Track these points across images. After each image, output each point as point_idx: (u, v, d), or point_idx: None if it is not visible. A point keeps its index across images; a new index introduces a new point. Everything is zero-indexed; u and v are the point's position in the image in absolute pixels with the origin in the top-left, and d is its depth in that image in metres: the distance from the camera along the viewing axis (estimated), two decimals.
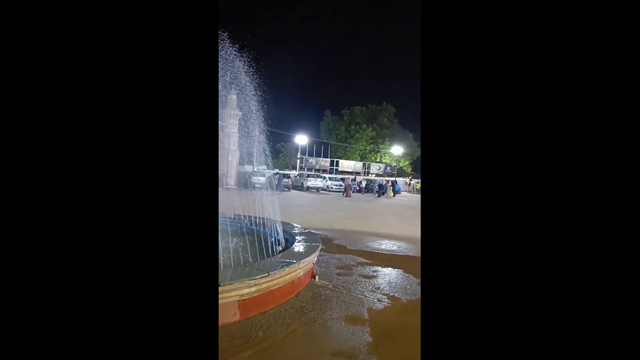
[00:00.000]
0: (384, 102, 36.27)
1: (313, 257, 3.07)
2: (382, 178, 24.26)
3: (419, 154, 36.75)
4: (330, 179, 22.61)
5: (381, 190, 19.77)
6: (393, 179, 24.34)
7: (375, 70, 73.34)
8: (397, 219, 8.91)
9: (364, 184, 22.48)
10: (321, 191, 20.18)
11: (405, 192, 24.45)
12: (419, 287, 3.18)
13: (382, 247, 5.03)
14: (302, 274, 2.86)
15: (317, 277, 3.20)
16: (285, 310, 2.46)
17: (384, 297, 2.88)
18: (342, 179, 22.95)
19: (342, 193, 19.15)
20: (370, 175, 30.65)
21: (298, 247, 3.24)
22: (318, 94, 68.21)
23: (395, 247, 5.03)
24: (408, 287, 3.18)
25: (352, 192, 19.44)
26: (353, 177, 24.30)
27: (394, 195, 20.04)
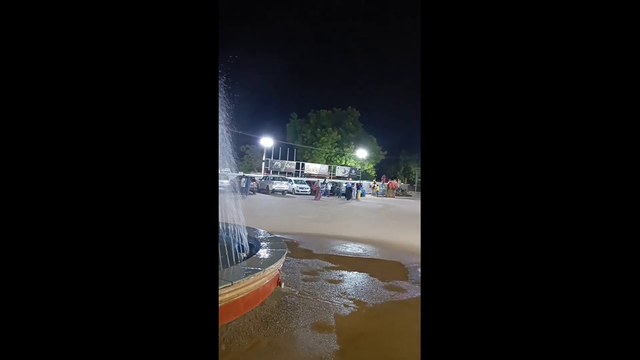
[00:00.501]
0: (349, 107, 36.95)
1: (279, 264, 2.99)
2: (351, 181, 24.62)
3: (383, 157, 37.86)
4: (296, 181, 22.48)
5: (350, 193, 19.90)
6: (358, 181, 24.74)
7: (342, 75, 74.52)
8: (362, 222, 9.04)
9: (329, 186, 22.65)
10: (287, 194, 20.01)
11: (370, 195, 24.97)
12: (385, 291, 3.21)
13: (348, 250, 5.05)
14: (267, 281, 2.76)
15: (283, 284, 3.12)
16: (250, 320, 2.36)
17: (350, 302, 2.86)
18: (308, 182, 22.93)
19: (312, 196, 19.14)
20: (349, 179, 30.94)
21: (263, 253, 3.14)
22: (284, 96, 67.98)
23: (360, 251, 5.07)
24: (374, 291, 3.20)
25: (322, 194, 19.50)
26: (323, 180, 24.36)
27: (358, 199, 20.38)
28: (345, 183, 22.04)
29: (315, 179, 23.35)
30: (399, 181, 34.49)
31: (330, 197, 20.13)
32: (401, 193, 31.18)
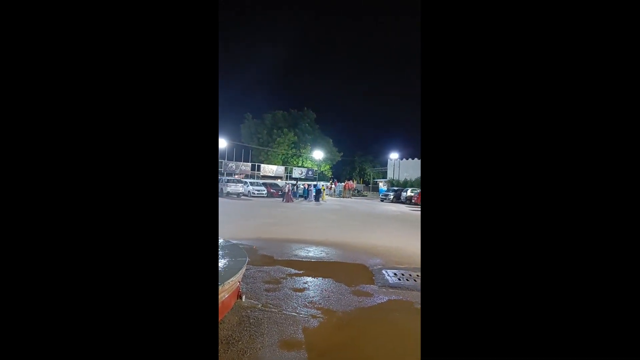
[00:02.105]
0: (305, 108, 36.96)
1: (239, 275, 2.71)
2: (321, 183, 24.71)
3: (339, 158, 38.36)
4: (251, 183, 21.83)
5: (319, 194, 20.19)
6: (326, 183, 24.74)
7: (297, 76, 74.39)
8: (322, 223, 8.94)
9: (286, 188, 22.44)
10: (242, 197, 19.34)
11: (327, 196, 25.12)
12: (352, 297, 3.09)
13: (311, 254, 4.88)
14: (226, 296, 2.48)
15: (243, 297, 2.85)
16: None
17: (318, 312, 2.69)
18: (264, 184, 22.45)
19: (279, 198, 19.07)
20: (320, 181, 30.68)
21: (221, 264, 2.84)
22: (238, 96, 66.07)
23: (323, 254, 4.93)
24: (341, 297, 3.06)
25: (292, 196, 19.50)
26: (295, 182, 23.97)
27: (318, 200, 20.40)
28: (315, 185, 22.33)
29: (286, 182, 22.97)
30: (355, 182, 35.23)
31: (299, 199, 19.95)
32: (357, 193, 31.86)
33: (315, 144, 35.22)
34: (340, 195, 27.90)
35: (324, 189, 21.25)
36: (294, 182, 24.14)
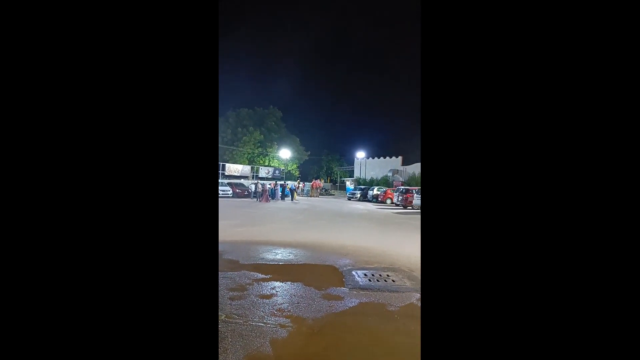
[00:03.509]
0: (271, 106, 36.36)
1: None
2: (294, 183, 24.46)
3: (306, 157, 38.20)
4: None
5: (293, 194, 20.22)
6: (283, 182, 24.41)
7: (262, 74, 73.17)
8: (290, 223, 8.75)
9: (252, 188, 22.01)
10: None
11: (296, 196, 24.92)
12: (323, 301, 2.95)
13: (279, 257, 4.68)
14: None
15: None
16: None
17: (287, 320, 2.52)
18: (230, 184, 21.83)
19: (256, 199, 18.93)
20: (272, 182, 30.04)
21: None
22: None
23: (292, 256, 4.76)
24: (311, 303, 2.91)
25: (270, 196, 19.37)
26: (274, 182, 23.42)
27: (286, 199, 20.15)
28: (291, 186, 22.39)
29: (263, 182, 22.52)
30: (322, 181, 35.30)
31: (276, 199, 19.57)
32: (324, 192, 31.95)
33: (282, 142, 34.78)
34: (307, 194, 27.81)
35: (298, 188, 21.42)
36: (272, 181, 23.83)
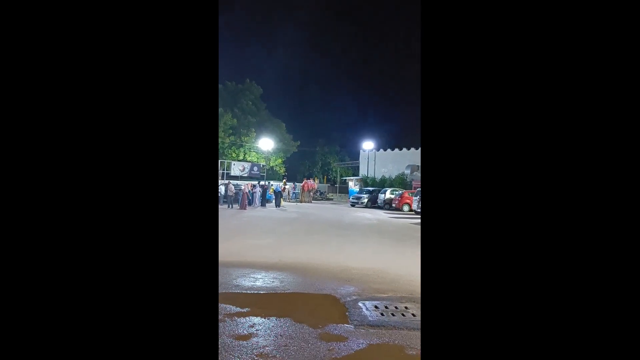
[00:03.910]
0: (248, 80, 36.25)
1: None
2: (280, 185, 24.61)
3: (295, 149, 38.18)
4: None
5: (279, 198, 20.80)
6: (263, 182, 24.41)
7: (236, 35, 72.98)
8: (274, 238, 8.76)
9: (222, 191, 22.06)
10: None
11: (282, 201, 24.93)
12: (320, 344, 2.95)
13: (259, 283, 4.69)
14: None
15: None
16: None
17: None
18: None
19: (227, 205, 18.99)
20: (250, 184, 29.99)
21: None
22: None
23: (277, 283, 4.76)
24: (304, 346, 2.91)
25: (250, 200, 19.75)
26: (258, 182, 23.43)
27: (268, 205, 20.18)
28: (275, 187, 22.83)
29: (237, 183, 22.59)
30: (317, 180, 35.29)
31: (256, 205, 19.53)
32: (319, 196, 32.00)
33: (262, 129, 34.68)
34: (297, 198, 27.84)
35: (284, 190, 21.68)
36: (249, 182, 23.86)
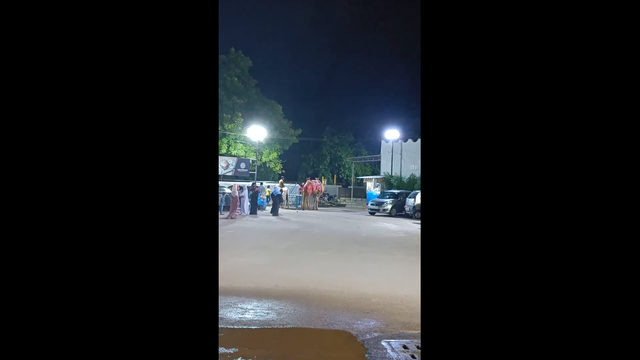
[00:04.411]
0: (233, 49, 36.42)
1: None
2: (279, 187, 24.84)
3: (295, 140, 38.17)
4: None
5: (277, 203, 21.14)
6: (253, 183, 24.45)
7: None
8: (268, 256, 8.79)
9: (227, 192, 22.35)
10: None
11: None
12: None
13: (249, 316, 4.72)
14: None
15: None
16: None
17: None
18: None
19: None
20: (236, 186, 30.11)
21: None
22: None
23: (272, 315, 4.79)
24: None
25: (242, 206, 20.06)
26: (252, 183, 23.62)
27: (259, 212, 20.26)
28: (273, 189, 23.16)
29: (221, 185, 22.70)
30: (324, 181, 35.28)
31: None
32: (328, 201, 32.01)
33: (251, 113, 34.78)
34: (298, 204, 27.84)
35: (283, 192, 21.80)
36: (235, 183, 24.01)
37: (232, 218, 17.85)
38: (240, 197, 20.38)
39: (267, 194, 22.04)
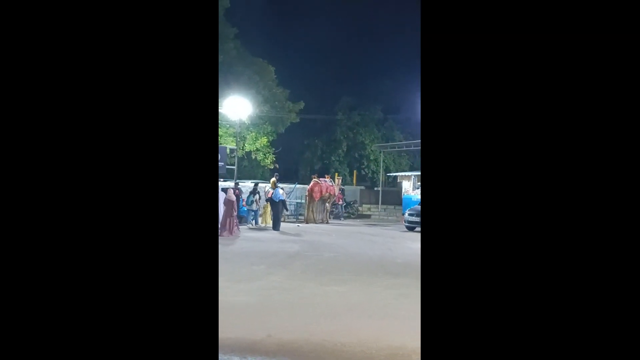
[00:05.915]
0: None
1: None
2: (272, 184, 24.93)
3: (295, 118, 37.62)
4: None
5: (281, 212, 21.84)
6: (237, 185, 24.52)
7: None
8: (256, 291, 8.86)
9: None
10: None
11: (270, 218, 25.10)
12: None
13: None
14: None
15: None
16: None
17: None
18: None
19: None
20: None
21: None
22: None
23: None
24: None
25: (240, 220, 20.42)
26: (255, 184, 23.74)
27: (248, 225, 20.32)
28: (274, 193, 23.20)
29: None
30: (338, 180, 35.00)
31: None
32: (344, 210, 31.69)
33: (228, 76, 34.30)
34: (299, 214, 27.73)
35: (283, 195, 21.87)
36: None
37: (231, 235, 18.13)
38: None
39: (267, 194, 21.90)
